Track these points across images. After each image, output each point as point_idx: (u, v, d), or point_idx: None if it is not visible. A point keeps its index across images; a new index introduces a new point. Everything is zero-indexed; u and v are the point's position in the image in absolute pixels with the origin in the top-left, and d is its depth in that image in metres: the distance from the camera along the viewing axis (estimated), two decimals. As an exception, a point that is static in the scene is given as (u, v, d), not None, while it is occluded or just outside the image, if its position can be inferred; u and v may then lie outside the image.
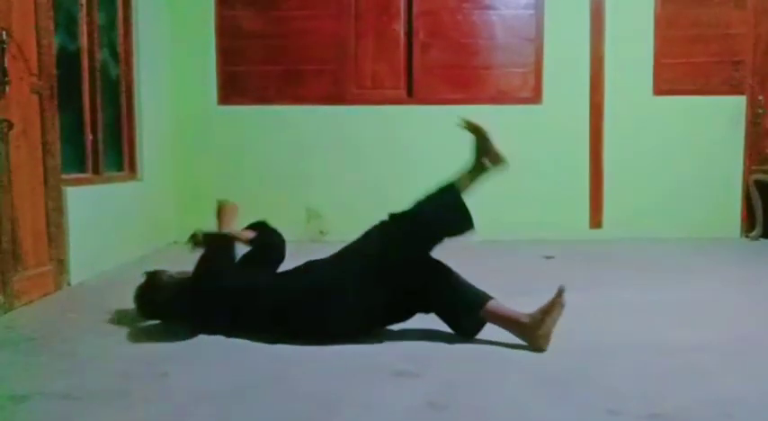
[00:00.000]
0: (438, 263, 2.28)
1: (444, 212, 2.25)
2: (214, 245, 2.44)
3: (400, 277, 2.22)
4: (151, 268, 2.61)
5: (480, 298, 2.22)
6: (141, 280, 2.54)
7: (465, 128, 2.30)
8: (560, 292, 2.14)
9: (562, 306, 2.15)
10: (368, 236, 2.33)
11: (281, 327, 2.26)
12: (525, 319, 2.17)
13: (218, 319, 2.34)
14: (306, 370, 1.99)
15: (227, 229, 2.51)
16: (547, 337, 2.15)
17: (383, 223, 2.31)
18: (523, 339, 2.19)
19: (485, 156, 2.29)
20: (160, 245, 4.59)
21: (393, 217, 2.29)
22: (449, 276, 2.26)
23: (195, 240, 2.49)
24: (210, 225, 2.61)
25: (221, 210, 2.58)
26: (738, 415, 1.64)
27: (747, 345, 2.24)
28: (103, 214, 3.70)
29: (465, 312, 2.24)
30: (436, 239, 2.26)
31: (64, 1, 3.55)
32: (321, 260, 2.39)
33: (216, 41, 4.93)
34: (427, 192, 2.31)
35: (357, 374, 1.95)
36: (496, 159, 2.30)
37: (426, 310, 2.29)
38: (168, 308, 2.45)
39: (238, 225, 2.57)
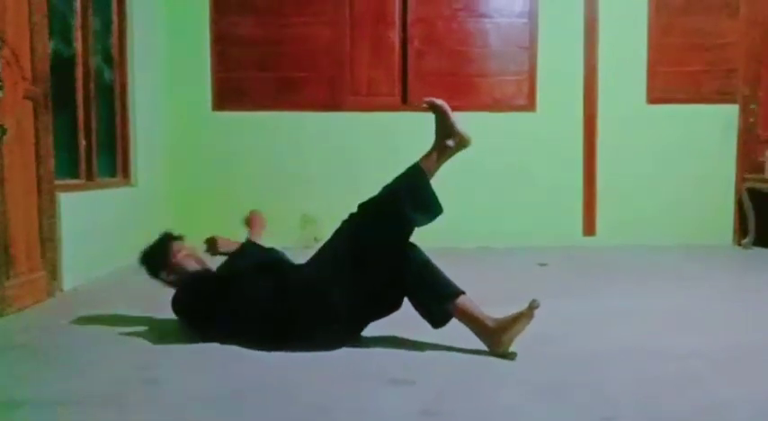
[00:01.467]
0: (416, 250, 2.27)
1: (412, 198, 2.24)
2: (232, 253, 2.47)
3: (378, 266, 2.22)
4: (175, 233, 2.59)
5: (452, 291, 2.22)
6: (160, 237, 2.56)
7: (427, 108, 2.29)
8: (533, 306, 2.11)
9: (530, 318, 2.12)
10: (340, 231, 2.33)
11: (274, 332, 2.25)
12: (491, 323, 2.16)
13: (217, 323, 2.32)
14: (300, 376, 1.99)
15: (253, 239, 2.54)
16: (508, 344, 2.15)
17: (352, 216, 2.32)
18: (484, 341, 2.19)
19: (448, 136, 2.27)
20: (154, 251, 4.57)
21: (362, 207, 2.30)
22: (425, 264, 2.25)
23: (210, 245, 2.52)
24: (208, 230, 2.62)
25: (250, 220, 2.58)
26: (732, 422, 1.64)
27: (741, 352, 2.24)
28: (97, 220, 3.68)
29: (435, 301, 2.22)
30: (406, 226, 2.24)
31: (59, 6, 3.55)
32: (304, 263, 2.40)
33: (211, 47, 4.93)
34: (395, 177, 2.30)
35: (352, 381, 1.94)
36: (460, 139, 2.28)
37: (405, 294, 2.28)
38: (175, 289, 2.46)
39: (262, 236, 2.61)
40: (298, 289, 2.27)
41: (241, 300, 2.29)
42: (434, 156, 2.28)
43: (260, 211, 2.62)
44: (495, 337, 2.15)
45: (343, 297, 2.22)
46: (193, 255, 2.53)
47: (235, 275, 2.40)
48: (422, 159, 2.29)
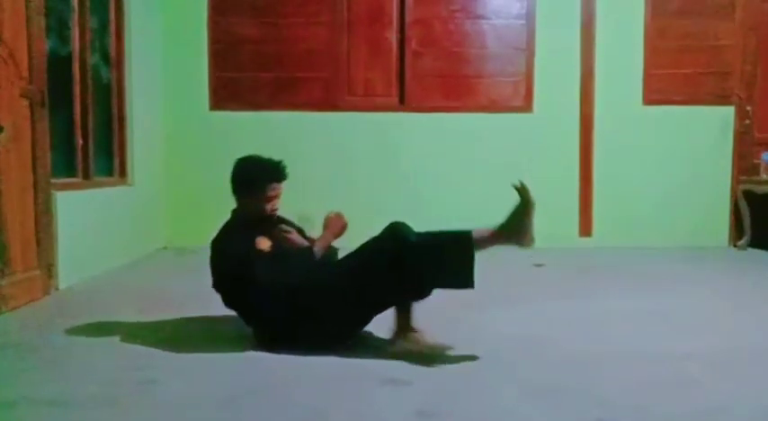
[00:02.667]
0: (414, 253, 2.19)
1: (449, 262, 2.17)
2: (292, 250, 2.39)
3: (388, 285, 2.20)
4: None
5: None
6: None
7: (517, 189, 2.22)
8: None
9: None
10: (366, 246, 2.28)
11: (283, 328, 2.24)
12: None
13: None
14: (297, 377, 1.99)
15: (319, 243, 2.43)
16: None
17: (384, 237, 2.24)
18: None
19: (517, 227, 2.20)
20: (150, 250, 4.57)
21: (397, 240, 2.19)
22: (430, 260, 2.19)
23: (281, 236, 2.42)
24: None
25: (327, 221, 2.47)
26: (726, 423, 1.65)
27: (735, 354, 2.25)
28: (93, 219, 3.68)
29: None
30: (429, 282, 2.19)
31: (56, 5, 3.54)
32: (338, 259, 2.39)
33: (208, 47, 4.93)
34: (442, 232, 2.22)
35: (348, 382, 1.95)
36: (525, 237, 2.20)
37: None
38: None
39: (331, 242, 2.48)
40: (313, 288, 2.25)
41: (255, 291, 2.25)
42: (492, 239, 2.21)
43: (342, 216, 2.47)
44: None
45: (354, 299, 2.21)
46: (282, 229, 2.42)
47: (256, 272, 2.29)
48: (477, 234, 2.21)
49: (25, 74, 2.98)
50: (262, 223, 2.40)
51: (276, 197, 2.43)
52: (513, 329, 2.52)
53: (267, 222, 2.41)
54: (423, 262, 2.15)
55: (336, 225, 2.45)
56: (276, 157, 2.45)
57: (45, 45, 3.16)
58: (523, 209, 2.20)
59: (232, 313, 2.70)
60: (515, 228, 2.20)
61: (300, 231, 2.53)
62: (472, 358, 2.17)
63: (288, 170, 2.43)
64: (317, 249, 2.39)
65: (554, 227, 5.07)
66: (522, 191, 2.21)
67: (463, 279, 2.18)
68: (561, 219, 5.08)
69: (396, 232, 2.22)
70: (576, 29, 5.03)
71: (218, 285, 2.37)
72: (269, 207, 2.41)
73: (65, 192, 3.35)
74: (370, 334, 2.37)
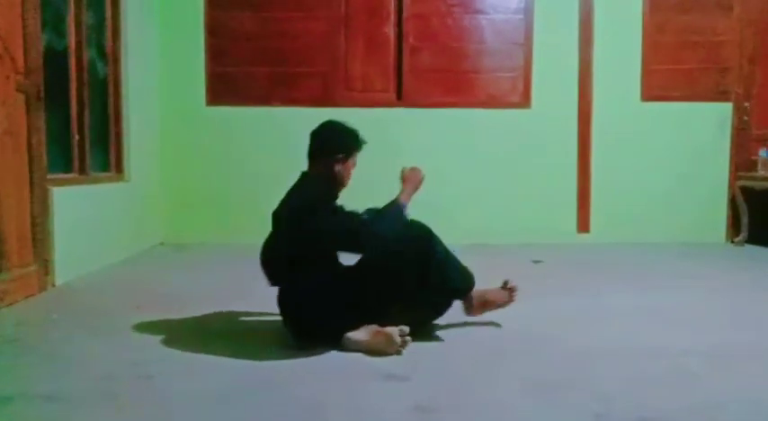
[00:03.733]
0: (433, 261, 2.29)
1: (436, 277, 2.28)
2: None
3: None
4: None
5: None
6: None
7: (508, 288, 2.50)
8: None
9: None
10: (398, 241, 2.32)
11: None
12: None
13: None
14: (295, 373, 1.98)
15: (403, 196, 2.46)
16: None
17: (413, 243, 2.30)
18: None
19: (491, 306, 2.46)
20: (147, 246, 4.56)
21: (428, 245, 2.28)
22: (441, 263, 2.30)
23: None
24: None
25: (405, 174, 2.52)
26: (723, 420, 1.65)
27: (732, 350, 2.25)
28: (89, 215, 3.66)
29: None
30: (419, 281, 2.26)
31: (52, -1, 3.52)
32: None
33: (205, 41, 4.91)
34: (455, 259, 2.38)
35: (346, 378, 1.94)
36: (479, 312, 2.45)
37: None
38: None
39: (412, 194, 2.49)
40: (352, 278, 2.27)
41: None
42: (480, 302, 2.43)
43: (418, 170, 2.49)
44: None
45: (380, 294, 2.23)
46: None
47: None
48: (479, 290, 2.43)
49: (21, 68, 2.96)
50: (332, 193, 2.43)
51: (350, 168, 2.48)
52: (512, 325, 2.51)
53: (335, 194, 2.46)
54: (431, 266, 2.26)
55: (414, 178, 2.48)
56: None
57: (41, 39, 3.14)
58: (502, 302, 2.48)
59: (230, 310, 2.71)
60: (490, 305, 2.47)
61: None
62: (471, 354, 2.16)
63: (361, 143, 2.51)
64: (403, 201, 2.40)
65: (552, 223, 5.08)
66: (511, 292, 2.50)
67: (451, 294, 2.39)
68: (559, 215, 5.08)
69: (425, 232, 2.34)
70: (575, 24, 5.02)
71: (286, 249, 2.29)
72: (350, 174, 2.46)
73: (61, 187, 3.33)
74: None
